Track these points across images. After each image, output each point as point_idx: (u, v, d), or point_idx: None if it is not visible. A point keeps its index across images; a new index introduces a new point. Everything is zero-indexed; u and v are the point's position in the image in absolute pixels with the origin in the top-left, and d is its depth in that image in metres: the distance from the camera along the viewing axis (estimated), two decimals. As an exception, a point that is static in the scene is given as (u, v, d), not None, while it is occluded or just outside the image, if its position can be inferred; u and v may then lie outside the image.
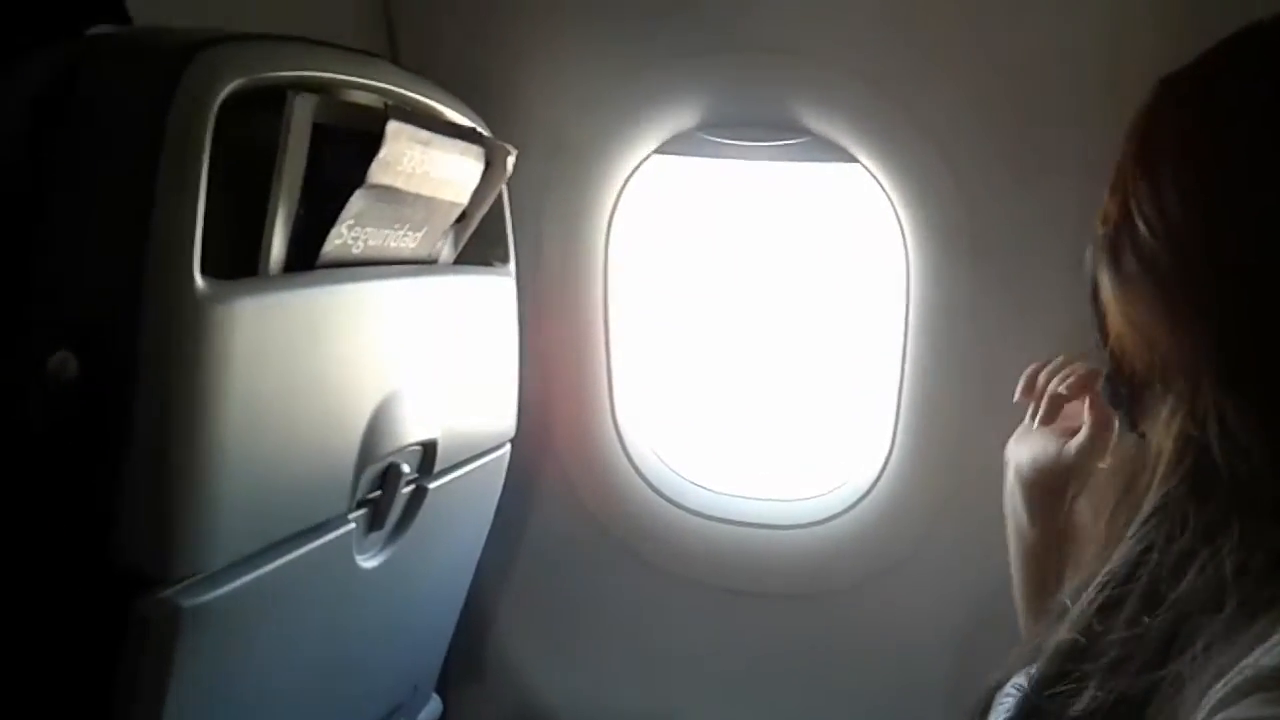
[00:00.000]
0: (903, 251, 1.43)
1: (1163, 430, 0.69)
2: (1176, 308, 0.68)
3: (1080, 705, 0.65)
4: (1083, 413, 1.05)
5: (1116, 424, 1.05)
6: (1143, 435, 0.73)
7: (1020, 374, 1.39)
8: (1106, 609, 0.67)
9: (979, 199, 1.36)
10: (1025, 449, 1.14)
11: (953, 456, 1.47)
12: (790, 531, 1.58)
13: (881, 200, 1.42)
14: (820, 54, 1.36)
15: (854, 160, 1.42)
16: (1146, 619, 0.63)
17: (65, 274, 0.90)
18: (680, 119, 1.45)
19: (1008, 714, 0.78)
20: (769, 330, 1.70)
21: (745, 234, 1.66)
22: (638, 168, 1.49)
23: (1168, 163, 0.69)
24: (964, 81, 1.34)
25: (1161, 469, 0.67)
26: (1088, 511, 0.97)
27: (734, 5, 1.36)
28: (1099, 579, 0.69)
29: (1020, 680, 0.81)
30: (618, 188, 1.50)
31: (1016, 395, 1.20)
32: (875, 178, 1.41)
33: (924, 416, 1.48)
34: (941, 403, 1.46)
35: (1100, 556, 0.82)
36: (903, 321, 1.45)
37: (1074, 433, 1.06)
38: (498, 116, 1.37)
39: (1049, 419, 1.13)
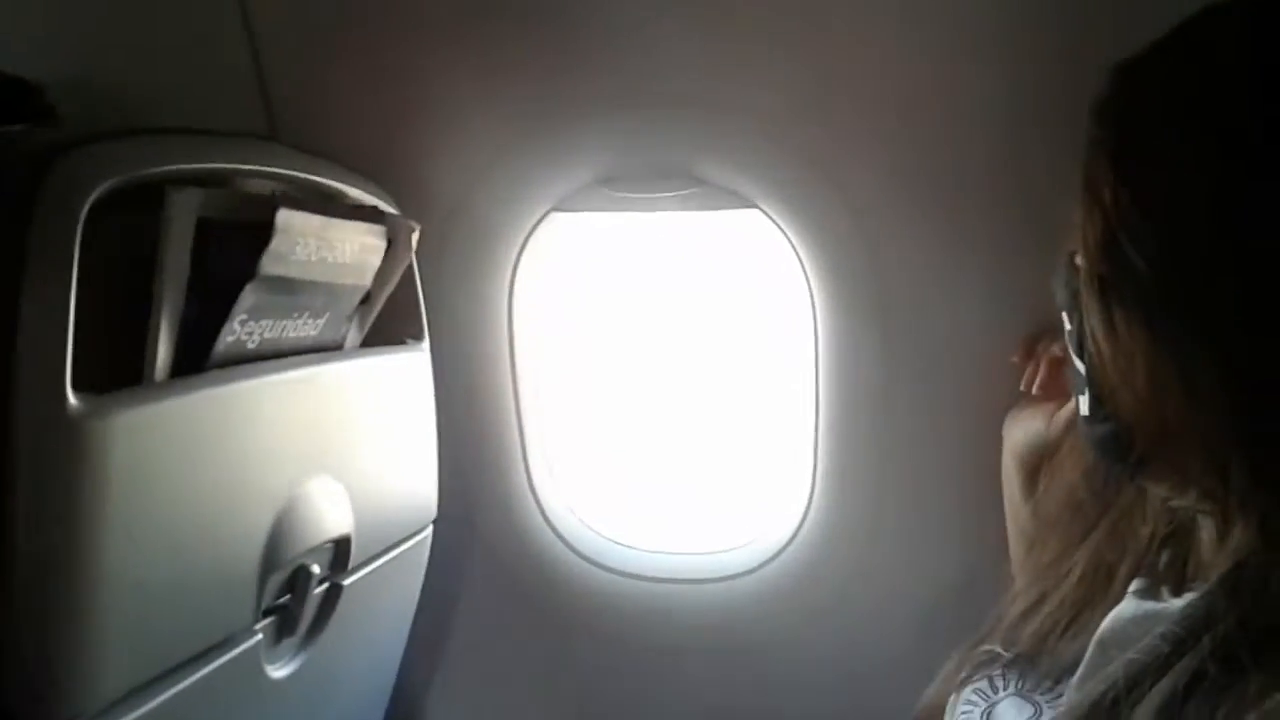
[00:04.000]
0: (808, 295, 1.40)
1: (1174, 486, 0.63)
2: (1191, 368, 0.57)
3: None
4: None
5: None
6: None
7: (931, 414, 1.38)
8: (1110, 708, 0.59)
9: (880, 239, 1.34)
10: (1018, 427, 1.14)
11: (873, 501, 1.44)
12: (719, 584, 1.54)
13: (784, 245, 1.39)
14: (718, 105, 1.32)
15: (754, 206, 1.38)
16: None
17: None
18: (578, 175, 1.41)
19: None
20: (681, 381, 1.66)
21: (649, 284, 1.62)
22: (536, 225, 1.44)
23: (1158, 161, 0.59)
24: (862, 120, 1.31)
25: (1212, 582, 0.59)
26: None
27: (630, 61, 1.32)
28: (1109, 678, 0.60)
29: (982, 686, 0.78)
30: (517, 248, 1.45)
31: (1013, 358, 1.21)
32: (775, 223, 1.38)
33: (841, 461, 1.45)
34: (858, 447, 1.43)
35: (1055, 567, 0.79)
36: (813, 367, 1.42)
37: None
38: (390, 187, 1.32)
39: (1047, 383, 1.11)
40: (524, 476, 1.55)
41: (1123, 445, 0.64)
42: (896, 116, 1.30)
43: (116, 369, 0.91)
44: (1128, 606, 0.69)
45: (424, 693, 1.59)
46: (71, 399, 0.83)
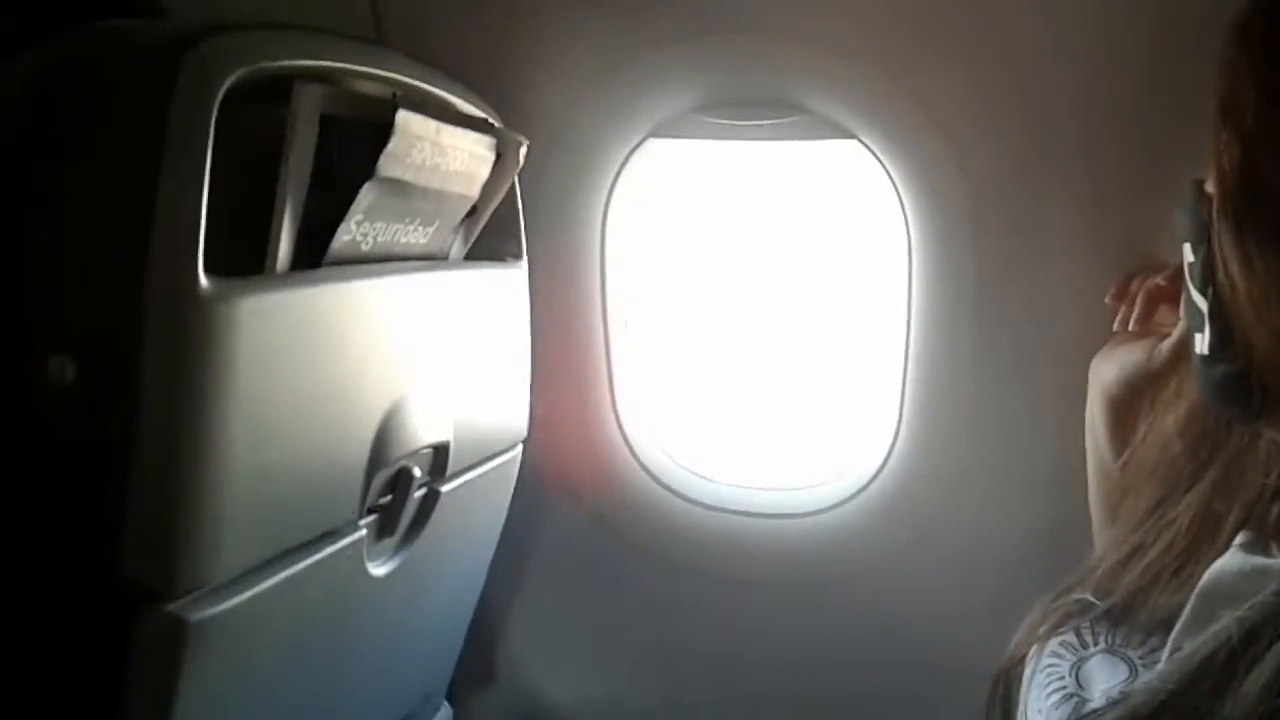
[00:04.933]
0: (904, 230, 1.39)
1: None
2: None
3: None
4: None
5: None
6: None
7: (1023, 357, 1.37)
8: (1218, 676, 0.57)
9: (982, 177, 1.32)
10: (1111, 363, 1.08)
11: (959, 438, 1.43)
12: (798, 520, 1.54)
13: (882, 178, 1.38)
14: (818, 33, 1.31)
15: (853, 137, 1.37)
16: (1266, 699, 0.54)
17: (63, 275, 0.86)
18: (676, 102, 1.40)
19: (1060, 685, 0.73)
20: (771, 315, 1.66)
21: (744, 217, 1.61)
22: (633, 152, 1.45)
23: None
24: (966, 58, 1.30)
25: None
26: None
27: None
28: (1216, 637, 0.58)
29: (1070, 639, 0.76)
30: (613, 173, 1.46)
31: (1108, 298, 1.16)
32: (875, 155, 1.37)
33: (929, 398, 1.45)
34: (947, 384, 1.42)
35: (1153, 520, 0.77)
36: (905, 302, 1.41)
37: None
38: (493, 104, 1.33)
39: (1145, 317, 1.08)
40: (609, 404, 1.56)
41: (1248, 387, 0.62)
42: (997, 51, 1.29)
43: (241, 259, 0.93)
44: (1233, 560, 0.66)
45: (505, 610, 1.62)
46: (203, 280, 0.85)
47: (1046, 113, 1.29)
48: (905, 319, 1.43)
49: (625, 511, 1.59)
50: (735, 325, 1.69)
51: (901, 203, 1.38)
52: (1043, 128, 1.30)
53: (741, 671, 1.59)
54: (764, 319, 1.67)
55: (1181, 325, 0.97)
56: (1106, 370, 1.09)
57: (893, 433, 1.48)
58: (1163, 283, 1.08)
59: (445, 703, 1.50)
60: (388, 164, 1.01)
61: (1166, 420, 0.84)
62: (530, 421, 1.44)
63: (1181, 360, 0.97)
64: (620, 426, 1.57)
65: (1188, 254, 0.67)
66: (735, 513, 1.57)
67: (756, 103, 1.40)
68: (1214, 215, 0.62)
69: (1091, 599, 0.77)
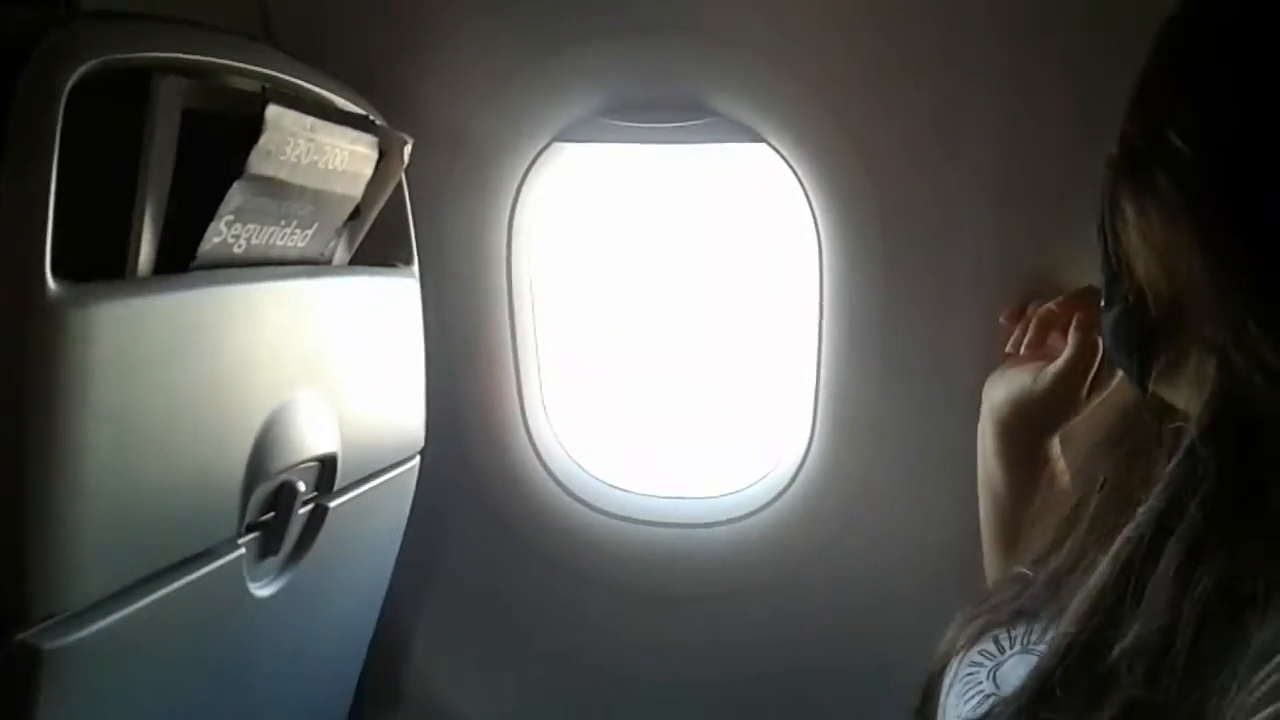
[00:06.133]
0: (813, 231, 1.37)
1: (1189, 388, 0.61)
2: (1216, 231, 0.58)
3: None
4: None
5: (1100, 350, 1.01)
6: (1153, 396, 0.65)
7: (933, 361, 1.36)
8: (1114, 601, 0.60)
9: (890, 179, 1.31)
10: (1001, 385, 1.11)
11: (873, 442, 1.42)
12: (713, 529, 1.52)
13: (789, 179, 1.36)
14: (723, 31, 1.29)
15: (759, 140, 1.35)
16: (1169, 612, 0.56)
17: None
18: (582, 104, 1.37)
19: (978, 689, 0.72)
20: (684, 320, 1.63)
21: (651, 220, 1.59)
22: (538, 156, 1.41)
23: (1209, 67, 0.61)
24: (874, 62, 1.29)
25: (1193, 433, 0.59)
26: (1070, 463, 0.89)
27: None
28: (1106, 565, 0.61)
29: (988, 647, 0.76)
30: (518, 178, 1.42)
31: (1002, 318, 1.20)
32: (782, 156, 1.35)
33: (843, 401, 1.43)
34: (858, 388, 1.41)
35: (1070, 519, 0.77)
36: (817, 304, 1.40)
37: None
38: (388, 109, 1.28)
39: (1037, 342, 1.10)
40: (517, 412, 1.52)
41: (1135, 320, 0.64)
42: (905, 54, 1.28)
43: (99, 263, 0.88)
44: None
45: (411, 628, 1.57)
46: (51, 284, 0.80)
47: (955, 116, 1.29)
48: (816, 323, 1.41)
49: (536, 524, 1.55)
50: (648, 331, 1.66)
51: (810, 206, 1.36)
52: (952, 131, 1.29)
53: (659, 684, 1.56)
54: (677, 324, 1.65)
55: (1070, 346, 1.03)
56: (996, 392, 1.12)
57: (806, 438, 1.46)
58: (1055, 308, 1.10)
59: (350, 725, 1.44)
60: (259, 161, 0.96)
61: (1075, 443, 0.88)
62: (430, 433, 1.39)
63: (1066, 386, 1.04)
64: (529, 436, 1.53)
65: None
66: (648, 523, 1.54)
67: (663, 105, 1.38)
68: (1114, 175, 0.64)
69: (1011, 597, 0.77)
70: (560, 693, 1.60)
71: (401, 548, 1.42)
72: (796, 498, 1.49)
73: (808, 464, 1.47)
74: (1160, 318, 0.62)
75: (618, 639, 1.57)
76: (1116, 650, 0.57)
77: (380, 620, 1.44)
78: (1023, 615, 0.75)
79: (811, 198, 1.35)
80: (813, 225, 1.36)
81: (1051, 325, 1.10)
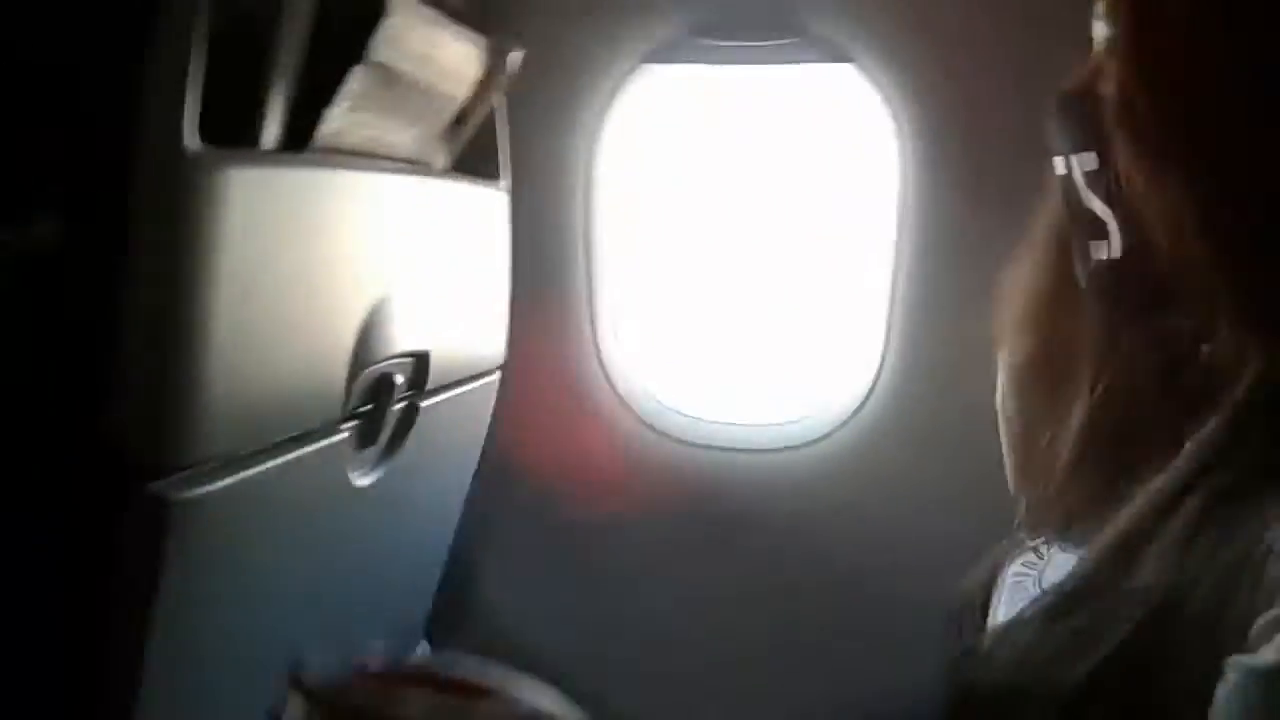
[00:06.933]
0: (899, 155, 1.38)
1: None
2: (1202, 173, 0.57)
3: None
4: None
5: None
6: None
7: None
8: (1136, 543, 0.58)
9: (978, 100, 1.32)
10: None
11: (949, 366, 1.42)
12: (783, 454, 1.53)
13: (876, 102, 1.37)
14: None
15: (849, 60, 1.37)
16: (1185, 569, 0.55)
17: (49, 134, 0.82)
18: (672, 23, 1.39)
19: (1026, 595, 0.72)
20: (761, 245, 1.64)
21: (735, 144, 1.59)
22: (628, 76, 1.43)
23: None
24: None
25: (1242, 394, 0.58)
26: None
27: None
28: (1128, 515, 0.60)
29: (1029, 557, 0.76)
30: (607, 99, 1.44)
31: None
32: (871, 78, 1.36)
33: (915, 333, 1.44)
34: (936, 313, 1.42)
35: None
36: (895, 232, 1.41)
37: None
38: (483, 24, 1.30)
39: None
40: (589, 335, 1.54)
41: (1155, 288, 0.62)
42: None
43: (229, 133, 0.90)
44: None
45: (481, 550, 1.59)
46: (191, 144, 0.82)
47: (1045, 35, 1.28)
48: (893, 250, 1.42)
49: (604, 445, 1.56)
50: (724, 256, 1.66)
51: (896, 126, 1.37)
52: (1042, 52, 1.29)
53: (723, 610, 1.57)
54: (753, 249, 1.65)
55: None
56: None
57: (878, 364, 1.47)
58: None
59: (424, 640, 1.46)
60: (379, 47, 0.98)
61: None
62: (508, 349, 1.41)
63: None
64: (600, 359, 1.55)
65: (1073, 165, 0.69)
66: (719, 448, 1.56)
67: (752, 25, 1.39)
68: (1108, 123, 0.62)
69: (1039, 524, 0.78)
70: (623, 618, 1.61)
71: (478, 465, 1.44)
72: (862, 427, 1.50)
73: (876, 392, 1.48)
74: (1161, 277, 0.61)
75: (682, 564, 1.58)
76: (1136, 581, 0.57)
77: (454, 539, 1.47)
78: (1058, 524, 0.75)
79: (898, 119, 1.36)
80: (898, 149, 1.37)
81: None
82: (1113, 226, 0.65)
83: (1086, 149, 0.67)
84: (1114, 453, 0.70)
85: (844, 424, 1.50)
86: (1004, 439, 1.08)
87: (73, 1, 0.84)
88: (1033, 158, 1.30)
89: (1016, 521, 0.82)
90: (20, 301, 0.81)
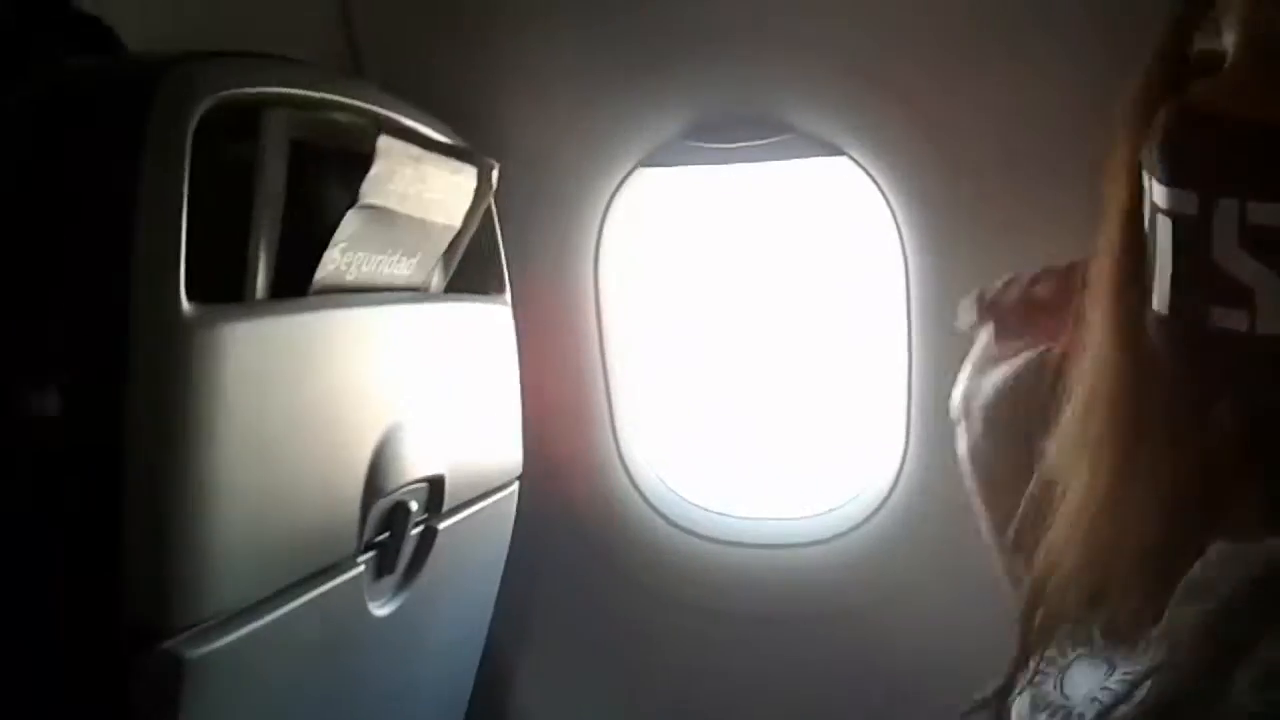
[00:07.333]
0: (899, 243, 1.38)
1: None
2: None
3: None
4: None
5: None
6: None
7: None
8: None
9: (974, 183, 1.32)
10: (978, 384, 0.98)
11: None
12: (809, 549, 1.51)
13: (873, 193, 1.37)
14: (805, 44, 1.32)
15: (840, 153, 1.37)
16: None
17: (44, 304, 0.84)
18: (665, 128, 1.41)
19: (1047, 703, 0.69)
20: (768, 338, 1.64)
21: (737, 240, 1.60)
22: (623, 182, 1.44)
23: None
24: (954, 58, 1.30)
25: None
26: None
27: (716, 5, 1.33)
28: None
29: (1050, 653, 0.72)
30: (604, 204, 1.45)
31: (969, 321, 1.03)
32: (865, 170, 1.36)
33: (935, 418, 1.42)
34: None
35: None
36: (905, 318, 1.40)
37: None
38: (473, 138, 1.32)
39: (1017, 327, 0.95)
40: (610, 439, 1.54)
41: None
42: (992, 54, 1.28)
43: (219, 289, 0.92)
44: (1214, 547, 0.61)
45: (514, 658, 1.58)
46: (186, 305, 0.84)
47: (1040, 114, 1.29)
48: (905, 332, 1.41)
49: (631, 549, 1.56)
50: (735, 350, 1.67)
51: (894, 215, 1.37)
52: (1035, 130, 1.29)
53: (758, 705, 1.55)
54: (765, 343, 1.65)
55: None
56: (982, 389, 0.99)
57: (900, 457, 1.46)
58: (1044, 294, 0.95)
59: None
60: (370, 190, 1.00)
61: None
62: (527, 457, 1.42)
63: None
64: (623, 462, 1.54)
65: (1176, 201, 0.59)
66: (746, 545, 1.54)
67: (744, 124, 1.40)
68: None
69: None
70: (660, 715, 1.59)
71: (503, 577, 1.44)
72: (891, 517, 1.48)
73: (901, 483, 1.46)
74: None
75: (715, 663, 1.56)
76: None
77: (484, 651, 1.46)
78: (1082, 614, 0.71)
79: (895, 207, 1.36)
80: (897, 234, 1.37)
81: (1038, 313, 0.95)
82: (1264, 292, 0.53)
83: (1223, 191, 0.55)
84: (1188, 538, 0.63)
85: (869, 518, 1.48)
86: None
87: (57, 170, 0.86)
88: (1030, 240, 1.31)
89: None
90: (22, 473, 0.82)
